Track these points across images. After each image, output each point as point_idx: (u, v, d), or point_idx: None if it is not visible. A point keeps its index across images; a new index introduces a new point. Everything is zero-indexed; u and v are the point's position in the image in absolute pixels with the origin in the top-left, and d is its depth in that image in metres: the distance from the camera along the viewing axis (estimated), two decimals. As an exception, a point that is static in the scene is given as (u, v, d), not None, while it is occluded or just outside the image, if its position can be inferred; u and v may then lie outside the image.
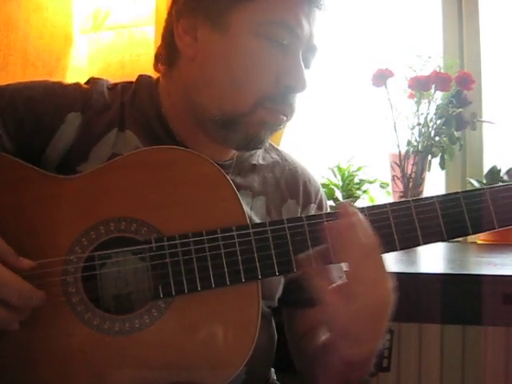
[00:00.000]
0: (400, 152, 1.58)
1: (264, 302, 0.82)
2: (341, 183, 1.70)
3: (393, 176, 1.64)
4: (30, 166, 0.78)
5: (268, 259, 0.75)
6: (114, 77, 1.51)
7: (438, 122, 1.57)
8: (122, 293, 0.78)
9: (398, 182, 1.61)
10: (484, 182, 1.59)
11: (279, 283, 0.92)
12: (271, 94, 0.81)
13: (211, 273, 0.74)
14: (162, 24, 0.90)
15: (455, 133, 1.60)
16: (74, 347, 0.73)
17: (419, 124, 1.58)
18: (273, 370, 1.00)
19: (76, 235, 0.75)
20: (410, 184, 1.58)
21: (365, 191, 1.69)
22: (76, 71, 1.69)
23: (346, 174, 1.70)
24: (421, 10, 1.83)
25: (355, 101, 1.78)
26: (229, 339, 0.74)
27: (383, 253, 0.72)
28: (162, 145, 0.83)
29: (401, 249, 0.77)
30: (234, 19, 0.80)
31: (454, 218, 0.77)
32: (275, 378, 1.01)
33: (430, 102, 1.57)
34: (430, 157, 1.60)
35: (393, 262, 1.21)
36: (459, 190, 0.79)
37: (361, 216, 0.73)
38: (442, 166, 1.63)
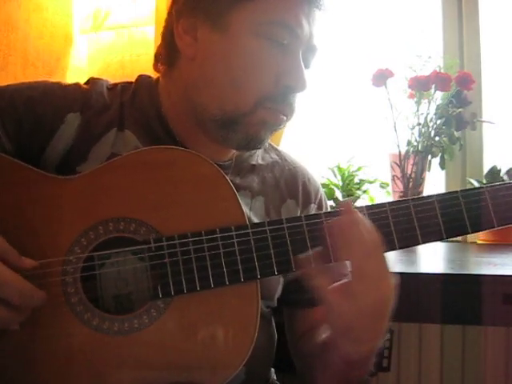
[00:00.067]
0: (400, 152, 1.58)
1: (263, 302, 0.82)
2: (341, 183, 1.70)
3: (393, 176, 1.64)
4: (29, 166, 0.78)
5: (267, 259, 0.75)
6: (113, 77, 1.51)
7: (438, 122, 1.57)
8: (121, 293, 0.78)
9: (398, 182, 1.61)
10: (484, 182, 1.58)
11: (278, 283, 0.92)
12: (271, 93, 0.81)
13: (210, 273, 0.74)
14: (162, 24, 0.90)
15: (455, 133, 1.60)
16: (73, 347, 0.73)
17: (419, 124, 1.58)
18: (273, 370, 1.00)
19: (75, 235, 0.75)
20: (410, 184, 1.58)
21: (365, 191, 1.70)
22: (76, 71, 1.69)
23: (346, 174, 1.70)
24: (421, 10, 1.83)
25: (355, 101, 1.78)
26: (228, 339, 0.74)
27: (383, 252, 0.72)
28: (161, 145, 0.83)
29: (400, 248, 0.77)
30: (233, 19, 0.80)
31: (453, 217, 0.77)
32: (275, 378, 1.01)
33: (429, 102, 1.57)
34: (430, 157, 1.60)
35: (393, 261, 1.21)
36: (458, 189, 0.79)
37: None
38: (442, 166, 1.63)
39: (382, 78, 1.56)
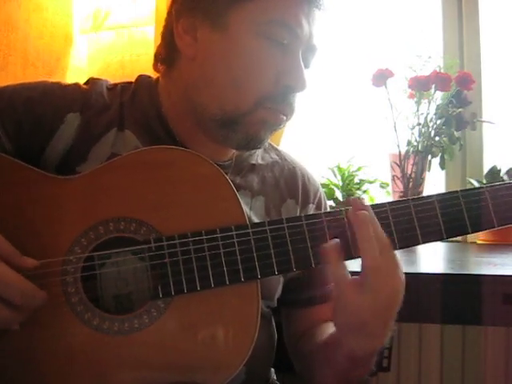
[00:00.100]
0: (400, 152, 1.58)
1: (263, 301, 0.82)
2: (341, 183, 1.70)
3: (393, 176, 1.64)
4: (29, 166, 0.78)
5: (267, 259, 0.75)
6: (113, 77, 1.51)
7: (438, 122, 1.57)
8: (121, 293, 0.78)
9: (398, 182, 1.61)
10: (484, 181, 1.58)
11: (278, 283, 0.92)
12: (271, 93, 0.81)
13: (210, 272, 0.74)
14: (162, 24, 0.90)
15: (455, 133, 1.60)
16: (74, 347, 0.73)
17: (419, 124, 1.58)
18: (273, 370, 1.00)
19: (75, 235, 0.75)
20: (410, 184, 1.58)
21: (365, 191, 1.69)
22: (76, 71, 1.69)
23: (346, 174, 1.70)
24: (421, 10, 1.83)
25: (355, 101, 1.78)
26: (228, 339, 0.74)
27: None
28: (161, 145, 0.83)
29: (400, 248, 0.77)
30: (233, 19, 0.80)
31: (453, 217, 0.77)
32: (275, 377, 1.01)
33: (430, 102, 1.57)
34: (430, 157, 1.60)
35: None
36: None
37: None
38: (442, 165, 1.63)
39: (381, 77, 1.56)
